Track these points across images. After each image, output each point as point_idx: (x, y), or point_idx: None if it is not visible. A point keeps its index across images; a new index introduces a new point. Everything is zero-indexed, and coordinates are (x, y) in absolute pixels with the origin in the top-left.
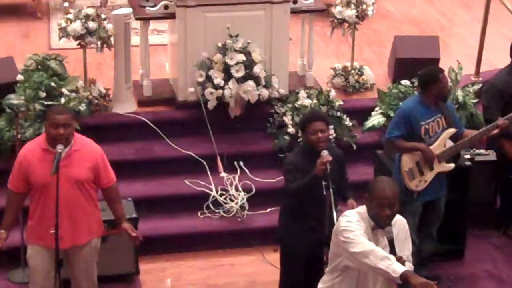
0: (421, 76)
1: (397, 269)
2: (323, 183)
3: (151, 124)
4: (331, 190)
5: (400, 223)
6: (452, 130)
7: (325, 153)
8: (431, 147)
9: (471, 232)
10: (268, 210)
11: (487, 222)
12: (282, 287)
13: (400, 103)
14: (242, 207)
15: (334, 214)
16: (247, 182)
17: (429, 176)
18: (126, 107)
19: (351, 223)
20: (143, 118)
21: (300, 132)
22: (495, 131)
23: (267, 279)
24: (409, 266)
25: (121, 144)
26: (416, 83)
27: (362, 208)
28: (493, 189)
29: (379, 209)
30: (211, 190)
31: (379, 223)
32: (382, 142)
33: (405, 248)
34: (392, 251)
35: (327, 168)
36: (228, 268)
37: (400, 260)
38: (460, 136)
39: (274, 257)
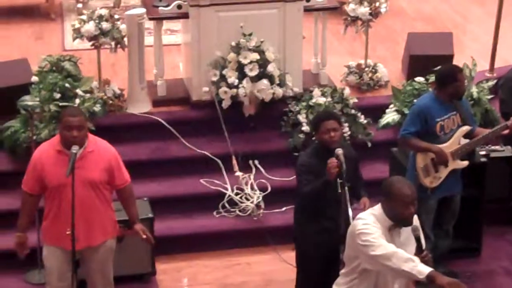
0: (439, 73)
1: (422, 270)
2: (338, 181)
3: (166, 124)
4: (346, 188)
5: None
6: (466, 128)
7: (339, 151)
8: (445, 144)
9: (487, 229)
10: (284, 208)
11: (503, 219)
12: (299, 286)
13: (415, 100)
14: (257, 206)
15: (350, 212)
16: (263, 180)
17: (444, 173)
18: (140, 107)
19: (369, 225)
20: (157, 118)
21: (313, 131)
22: (506, 131)
23: (283, 278)
24: None
25: (136, 144)
26: (430, 80)
27: (376, 209)
28: (509, 186)
29: (404, 208)
30: (226, 189)
31: (400, 223)
32: (398, 139)
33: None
34: (419, 248)
35: (340, 170)
36: (244, 267)
37: (425, 258)
38: (472, 134)
39: (291, 256)
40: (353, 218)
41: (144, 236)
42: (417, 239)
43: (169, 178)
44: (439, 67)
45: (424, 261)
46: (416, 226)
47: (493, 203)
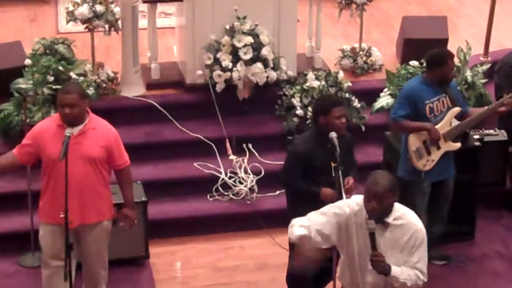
0: (430, 56)
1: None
2: (332, 164)
3: (160, 107)
4: (340, 172)
5: (410, 228)
6: (457, 109)
7: (333, 134)
8: (437, 127)
9: (481, 213)
10: (277, 192)
11: (497, 203)
12: (291, 270)
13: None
14: (251, 189)
15: (344, 196)
16: (256, 164)
17: (436, 155)
18: (134, 90)
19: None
20: (151, 101)
21: (317, 115)
22: (502, 109)
23: (277, 261)
24: (414, 274)
25: (130, 127)
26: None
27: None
28: (502, 170)
29: (365, 200)
30: (220, 173)
31: (368, 215)
32: (388, 123)
33: (413, 255)
34: (373, 246)
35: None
36: (238, 250)
37: (375, 258)
38: (466, 116)
39: (284, 239)
40: None
41: (125, 222)
42: (370, 235)
43: (163, 162)
44: (431, 50)
45: (374, 260)
46: (370, 221)
47: (486, 187)
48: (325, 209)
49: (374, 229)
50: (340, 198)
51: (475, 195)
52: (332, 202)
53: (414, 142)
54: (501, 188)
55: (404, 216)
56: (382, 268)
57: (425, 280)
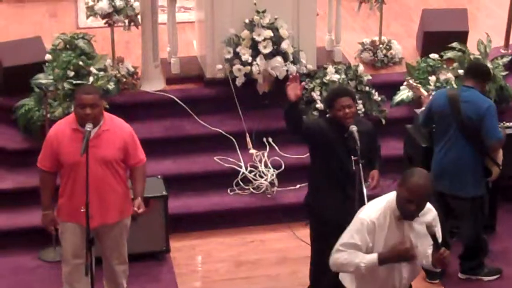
0: (482, 69)
1: (371, 258)
2: (352, 158)
3: (180, 102)
4: (360, 165)
5: (426, 212)
6: None
7: (353, 128)
8: None
9: (502, 206)
10: (298, 186)
11: None
12: (314, 262)
13: (484, 103)
14: (271, 183)
15: (364, 190)
16: (276, 158)
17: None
18: (154, 85)
19: (361, 223)
20: (171, 96)
21: (327, 109)
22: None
23: (297, 255)
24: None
25: (150, 122)
26: (445, 57)
27: (392, 196)
28: None
29: (405, 202)
30: (240, 167)
31: (403, 215)
32: (495, 144)
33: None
34: (436, 246)
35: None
36: (258, 244)
37: (442, 256)
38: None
39: (305, 233)
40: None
41: (135, 209)
42: (433, 236)
43: (183, 156)
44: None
45: (440, 259)
46: (430, 223)
47: (508, 179)
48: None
49: (434, 230)
50: (361, 191)
51: (496, 188)
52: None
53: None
54: None
55: None
56: (447, 264)
57: None
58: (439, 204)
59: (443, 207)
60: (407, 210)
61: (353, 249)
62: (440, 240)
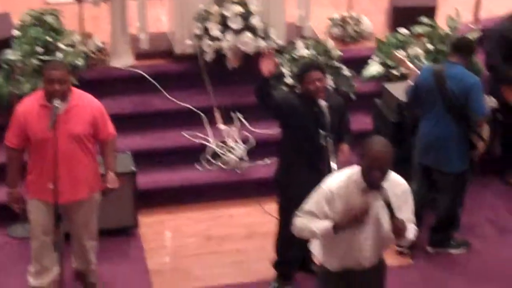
0: (466, 43)
1: (325, 225)
2: (322, 133)
3: (149, 77)
4: (329, 140)
5: (395, 185)
6: None
7: (322, 103)
8: None
9: (471, 180)
10: (267, 161)
11: (486, 170)
12: (281, 235)
13: (468, 78)
14: (240, 158)
15: (334, 165)
16: (246, 133)
17: None
18: (123, 60)
19: (321, 190)
20: (140, 72)
21: (297, 84)
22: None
23: (266, 229)
24: (411, 227)
25: (119, 97)
26: (414, 32)
27: (355, 167)
28: (492, 137)
29: (370, 170)
30: (209, 142)
31: (368, 184)
32: (481, 120)
33: (404, 210)
34: (390, 213)
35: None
36: (227, 219)
37: (396, 225)
38: None
39: (273, 208)
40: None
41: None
42: (387, 205)
43: (152, 132)
44: (456, 39)
45: (396, 228)
46: (384, 190)
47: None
48: (313, 206)
49: (388, 197)
50: (330, 166)
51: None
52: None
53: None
54: (491, 155)
55: (390, 174)
56: (404, 233)
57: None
58: (423, 177)
59: (427, 180)
60: (372, 178)
61: (310, 216)
62: (409, 214)
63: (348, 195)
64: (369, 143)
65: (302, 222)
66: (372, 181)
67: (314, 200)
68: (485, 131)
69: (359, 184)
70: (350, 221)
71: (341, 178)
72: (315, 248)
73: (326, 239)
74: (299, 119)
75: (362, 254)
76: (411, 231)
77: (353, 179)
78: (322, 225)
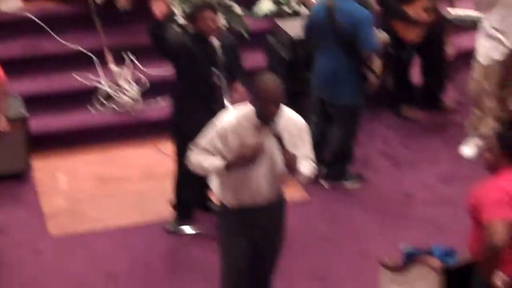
0: None
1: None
2: (215, 72)
3: (37, 20)
4: (223, 79)
5: (291, 122)
6: None
7: (215, 42)
8: None
9: (365, 113)
10: (161, 102)
11: (380, 103)
12: (179, 176)
13: (359, 13)
14: (134, 100)
15: (228, 104)
16: (139, 74)
17: None
18: (10, 3)
19: (214, 128)
20: (29, 15)
21: (190, 23)
22: None
23: (163, 170)
24: (309, 164)
25: (7, 42)
26: None
27: (249, 105)
28: (385, 71)
29: (264, 105)
30: (102, 84)
31: (264, 120)
32: (370, 54)
33: (300, 147)
34: (281, 146)
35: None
36: (123, 161)
37: (288, 158)
38: None
39: (169, 148)
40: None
41: None
42: (277, 138)
43: (42, 75)
44: None
45: (287, 161)
46: (272, 124)
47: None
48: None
49: (279, 131)
50: (224, 105)
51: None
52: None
53: None
54: (383, 88)
55: (285, 112)
56: (295, 167)
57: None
58: (320, 111)
59: (323, 114)
60: (265, 112)
61: (203, 151)
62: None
63: (241, 132)
64: (259, 79)
65: (196, 158)
66: (264, 116)
67: (208, 137)
68: (377, 65)
69: (252, 121)
70: (243, 159)
71: (234, 115)
72: (214, 185)
73: (221, 176)
74: (193, 59)
75: (257, 191)
76: (308, 167)
77: (246, 116)
78: (214, 162)
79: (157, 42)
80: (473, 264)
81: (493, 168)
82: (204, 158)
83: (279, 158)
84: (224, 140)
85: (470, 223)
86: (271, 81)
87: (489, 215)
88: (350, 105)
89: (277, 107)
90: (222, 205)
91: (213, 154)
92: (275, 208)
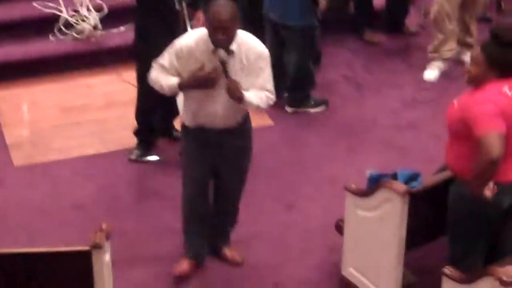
0: None
1: (173, 81)
2: None
3: None
4: (184, 4)
5: (249, 48)
6: None
7: None
8: None
9: (327, 38)
10: (122, 28)
11: (342, 27)
12: (140, 102)
13: None
14: (94, 27)
15: (189, 29)
16: (98, 1)
17: None
18: None
19: (171, 48)
20: None
21: None
22: None
23: (125, 98)
24: (264, 95)
25: None
26: None
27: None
28: None
29: (213, 32)
30: (61, 11)
31: (215, 46)
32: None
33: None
34: (226, 73)
35: None
36: (85, 89)
37: (231, 85)
38: None
39: (131, 76)
40: None
41: None
42: (222, 64)
43: (2, 4)
44: None
45: (228, 89)
46: (219, 50)
47: (331, 11)
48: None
49: (226, 58)
50: (186, 30)
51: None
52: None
53: None
54: (345, 12)
55: (245, 40)
56: (237, 95)
57: (275, 99)
58: (272, 35)
59: (276, 38)
60: (216, 39)
61: (161, 69)
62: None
63: (198, 55)
64: (211, 4)
65: (155, 75)
66: (217, 42)
67: (167, 55)
68: None
69: (208, 45)
70: (197, 81)
71: (194, 35)
72: (179, 103)
73: (183, 96)
74: None
75: (214, 114)
76: (260, 97)
77: (203, 38)
78: (169, 81)
79: None
80: (451, 180)
81: (477, 82)
82: (162, 76)
83: (241, 86)
84: (181, 59)
85: (450, 140)
86: (221, 8)
87: (483, 128)
88: (303, 26)
89: (225, 34)
90: (183, 125)
91: (170, 73)
92: (234, 133)
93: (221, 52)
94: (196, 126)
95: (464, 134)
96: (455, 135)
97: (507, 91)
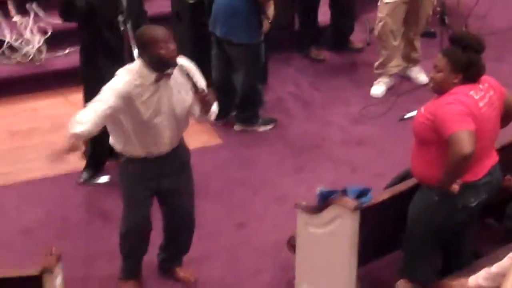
0: None
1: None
2: (120, 19)
3: None
4: (128, 25)
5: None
6: None
7: None
8: None
9: (273, 56)
10: (67, 51)
11: (288, 45)
12: None
13: None
14: (39, 50)
15: (135, 52)
16: (42, 24)
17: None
18: None
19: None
20: None
21: None
22: None
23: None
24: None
25: None
26: None
27: (136, 65)
28: (291, 13)
29: (160, 49)
30: (4, 36)
31: (165, 66)
32: None
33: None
34: (194, 87)
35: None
36: (31, 113)
37: (204, 96)
38: None
39: (77, 98)
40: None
41: None
42: (189, 78)
43: None
44: None
45: (203, 99)
46: (182, 64)
47: (277, 30)
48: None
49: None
50: (131, 52)
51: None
52: None
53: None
54: (291, 30)
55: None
56: (211, 103)
57: None
58: (219, 52)
59: (223, 55)
60: (165, 54)
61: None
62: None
63: (140, 91)
64: (143, 31)
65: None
66: (169, 61)
67: (110, 96)
68: (270, 10)
69: (148, 77)
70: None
71: (130, 76)
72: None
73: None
74: (95, 9)
75: (161, 141)
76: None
77: (141, 73)
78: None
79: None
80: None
81: (442, 89)
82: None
83: (179, 103)
84: (127, 102)
85: (417, 147)
86: (153, 26)
87: (454, 127)
88: (248, 44)
89: (173, 43)
90: (122, 156)
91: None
92: (179, 154)
93: (182, 66)
94: (141, 155)
95: (432, 140)
96: (422, 142)
97: (473, 95)
